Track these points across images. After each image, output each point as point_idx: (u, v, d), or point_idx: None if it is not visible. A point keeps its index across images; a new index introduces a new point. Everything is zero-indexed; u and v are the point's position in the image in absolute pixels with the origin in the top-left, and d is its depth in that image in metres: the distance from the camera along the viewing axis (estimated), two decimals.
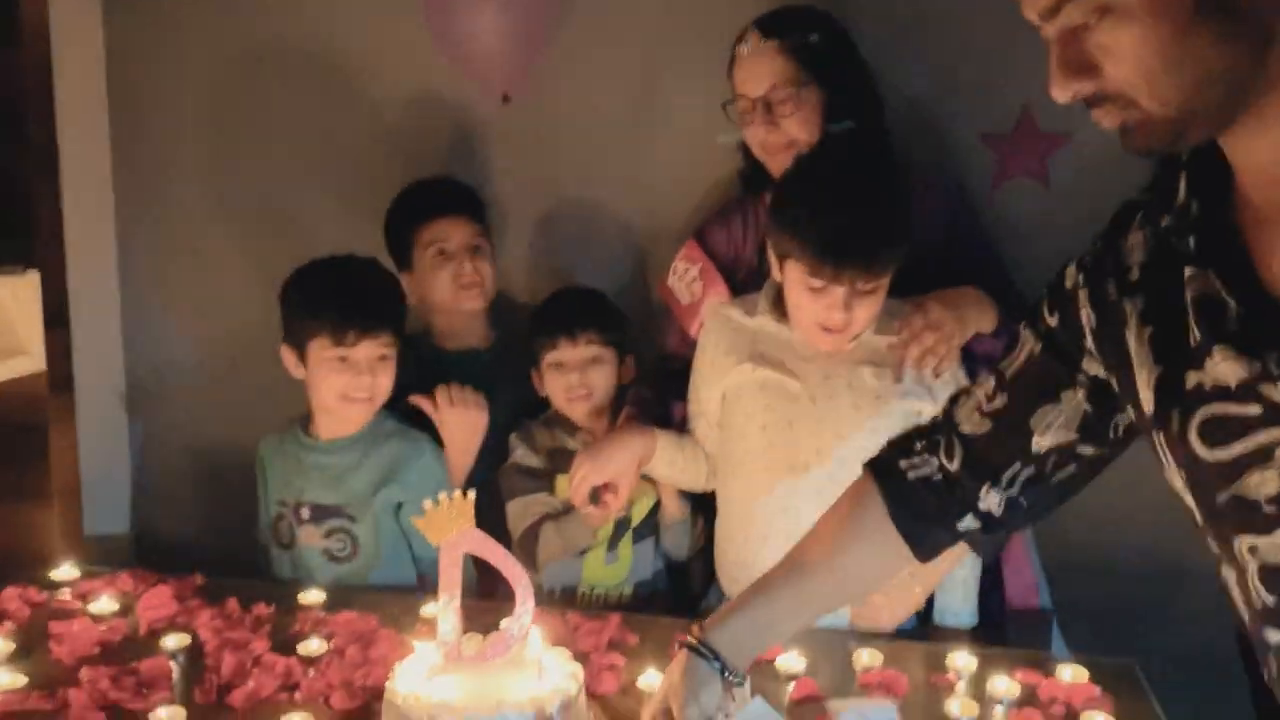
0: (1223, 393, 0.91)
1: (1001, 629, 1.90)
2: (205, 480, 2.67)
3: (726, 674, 1.35)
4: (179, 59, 2.52)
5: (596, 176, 2.38)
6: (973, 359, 1.89)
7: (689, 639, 1.37)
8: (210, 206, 2.57)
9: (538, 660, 1.41)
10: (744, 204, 2.10)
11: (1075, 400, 1.15)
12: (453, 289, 2.21)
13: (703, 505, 2.10)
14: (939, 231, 1.93)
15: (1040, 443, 1.18)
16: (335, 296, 1.99)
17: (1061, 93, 0.92)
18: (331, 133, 2.47)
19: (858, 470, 1.73)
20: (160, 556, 2.04)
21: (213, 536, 2.56)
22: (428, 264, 2.21)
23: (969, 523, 1.28)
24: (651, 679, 1.53)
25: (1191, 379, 0.94)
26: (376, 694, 1.50)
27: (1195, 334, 0.93)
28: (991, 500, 1.25)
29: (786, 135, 1.94)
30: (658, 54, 2.31)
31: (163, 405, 2.67)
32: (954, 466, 1.26)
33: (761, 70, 1.93)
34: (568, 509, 2.04)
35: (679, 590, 2.14)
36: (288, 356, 2.04)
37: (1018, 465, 1.21)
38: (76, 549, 2.16)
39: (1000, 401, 1.21)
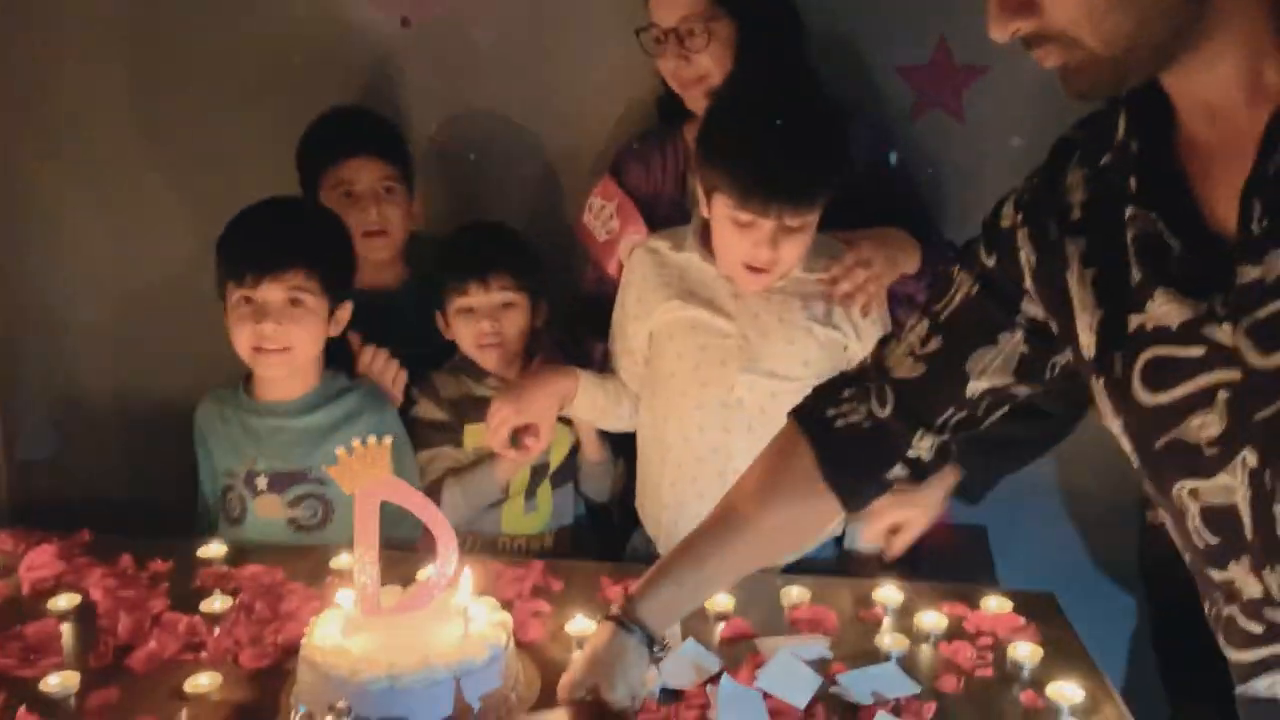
0: (1165, 335, 0.88)
1: (916, 553, 1.91)
2: (92, 438, 2.54)
3: (654, 648, 1.31)
4: None
5: (504, 102, 2.26)
6: (894, 300, 1.88)
7: (614, 611, 1.31)
8: (120, 145, 2.37)
9: (464, 610, 1.35)
10: (662, 137, 2.03)
11: (1013, 342, 1.12)
12: (357, 234, 2.01)
13: (621, 447, 2.06)
14: (861, 167, 1.90)
15: (976, 386, 1.15)
16: (240, 239, 1.82)
17: (1000, 32, 0.87)
18: (242, 65, 2.28)
19: (789, 404, 1.71)
20: (41, 518, 1.88)
21: (106, 493, 2.43)
22: (334, 205, 2.03)
23: (898, 471, 1.25)
24: (580, 625, 1.48)
25: (1133, 321, 0.91)
26: (290, 650, 1.43)
27: (1136, 275, 0.90)
28: (923, 446, 1.22)
29: (698, 69, 1.88)
30: None
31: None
32: (885, 413, 1.21)
33: (674, 0, 1.86)
34: (477, 461, 1.97)
35: (600, 534, 2.09)
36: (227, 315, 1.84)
37: (951, 410, 1.18)
38: None
39: (935, 345, 1.17)
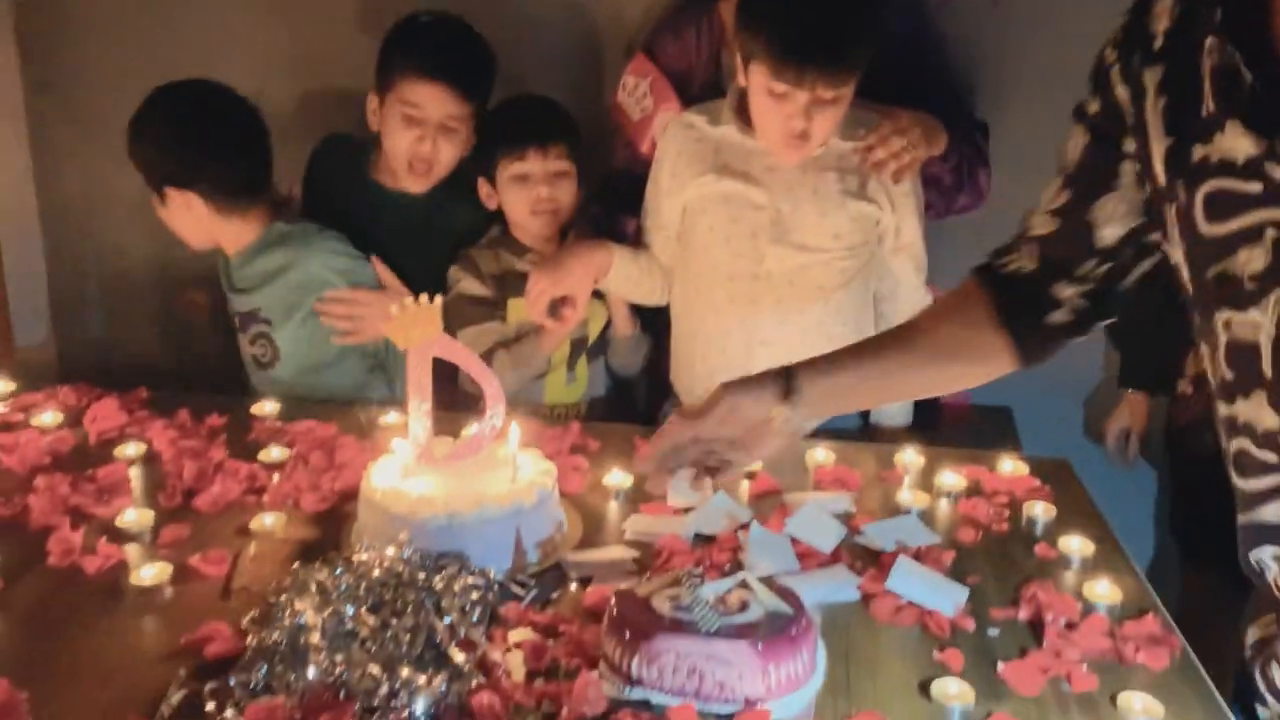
0: (1229, 168, 0.91)
1: (937, 428, 1.99)
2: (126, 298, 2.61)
3: (790, 390, 1.24)
4: None
5: None
6: (928, 188, 1.91)
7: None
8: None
9: (513, 459, 1.43)
10: (696, 11, 2.05)
11: (1130, 184, 1.11)
12: (406, 157, 2.03)
13: (649, 322, 2.12)
14: (895, 40, 1.92)
15: (1109, 234, 1.15)
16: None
17: None
18: None
19: (818, 278, 1.77)
20: (83, 374, 1.97)
21: (135, 353, 2.52)
22: (394, 120, 2.02)
23: (1058, 317, 1.23)
24: (617, 478, 1.57)
25: (1199, 152, 0.94)
26: (347, 496, 1.52)
27: (1209, 105, 0.93)
28: (1069, 294, 1.21)
29: None
30: None
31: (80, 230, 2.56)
32: (1032, 266, 1.22)
33: None
34: (521, 335, 2.03)
35: (627, 405, 2.17)
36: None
37: (1091, 261, 1.18)
38: (9, 364, 2.08)
39: (1064, 198, 1.17)
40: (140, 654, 1.18)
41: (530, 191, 1.99)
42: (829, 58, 1.64)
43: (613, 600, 1.17)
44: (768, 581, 1.19)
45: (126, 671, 1.14)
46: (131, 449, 1.63)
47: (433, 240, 2.10)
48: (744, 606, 1.15)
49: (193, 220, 1.98)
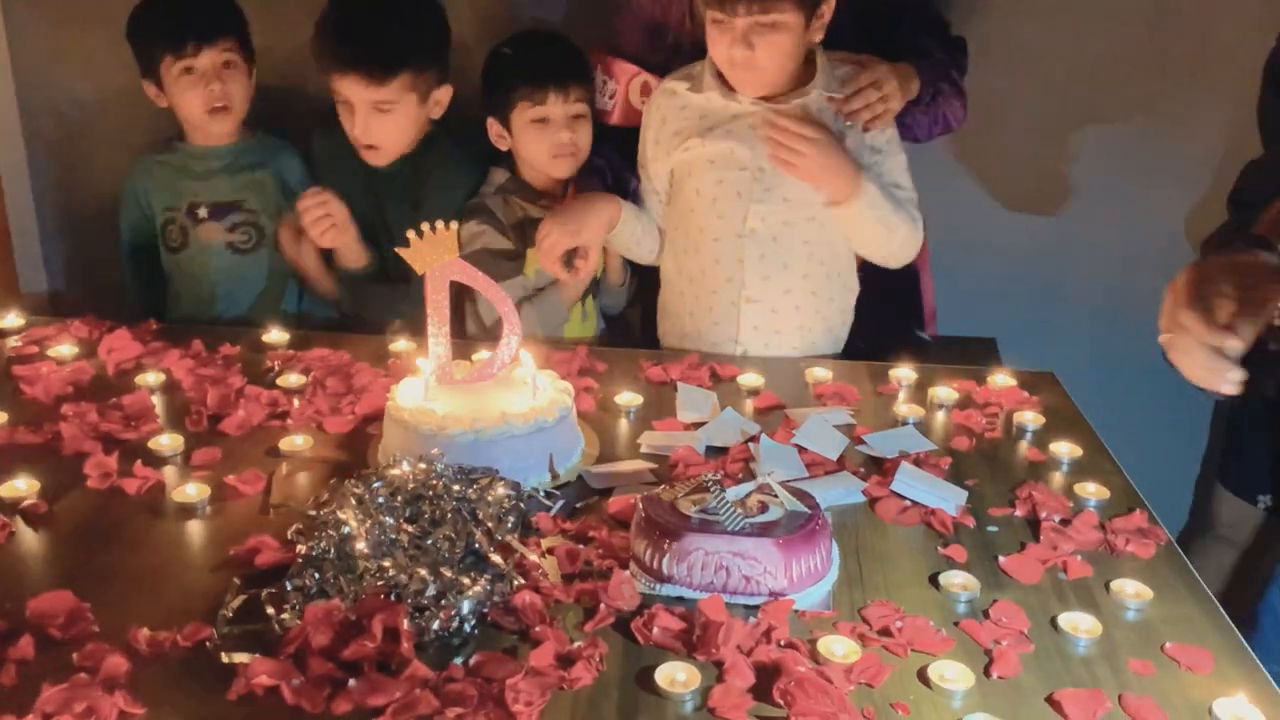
0: None
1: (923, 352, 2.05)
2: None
3: None
4: None
5: None
6: (901, 126, 1.95)
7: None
8: None
9: (531, 380, 1.49)
10: None
11: None
12: (355, 142, 2.07)
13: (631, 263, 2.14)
14: None
15: None
16: (174, 12, 2.07)
17: None
18: None
19: (802, 233, 1.83)
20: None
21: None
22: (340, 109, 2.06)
23: None
24: (627, 397, 1.64)
25: None
26: (368, 418, 1.57)
27: None
28: None
29: None
30: None
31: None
32: None
33: None
34: (541, 287, 2.02)
35: (622, 335, 2.21)
36: (148, 89, 2.12)
37: None
38: (15, 301, 2.09)
39: None
40: (190, 565, 1.24)
41: (552, 136, 1.98)
42: None
43: (641, 505, 1.24)
44: (785, 485, 1.26)
45: (179, 581, 1.20)
46: (151, 378, 1.67)
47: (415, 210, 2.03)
48: (763, 508, 1.23)
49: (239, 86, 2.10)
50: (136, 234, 2.23)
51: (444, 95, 2.08)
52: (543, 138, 1.98)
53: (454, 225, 1.47)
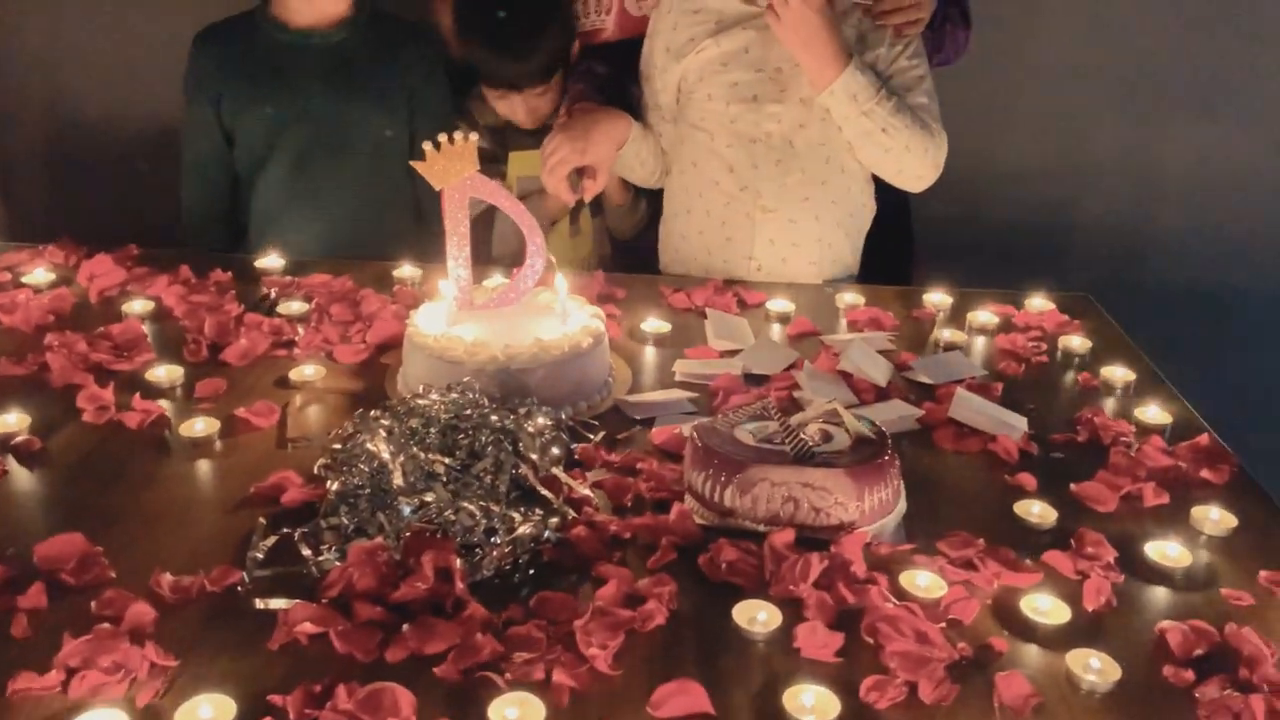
0: None
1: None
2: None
3: None
4: None
5: None
6: None
7: None
8: None
9: (562, 304, 1.39)
10: None
11: None
12: None
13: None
14: None
15: None
16: None
17: None
18: None
19: (818, 135, 1.71)
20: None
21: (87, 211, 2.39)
22: None
23: None
24: (654, 324, 1.55)
25: None
26: (382, 347, 1.47)
27: None
28: None
29: None
30: None
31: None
32: None
33: None
34: (524, 195, 1.93)
35: (640, 262, 2.10)
36: None
37: None
38: None
39: None
40: (207, 504, 1.13)
41: (514, 108, 1.93)
42: None
43: (695, 435, 1.15)
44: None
45: (198, 522, 1.10)
46: (139, 305, 1.55)
47: (353, 81, 1.91)
48: (827, 437, 1.15)
49: None
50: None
51: None
52: (505, 108, 1.94)
53: (474, 136, 1.36)
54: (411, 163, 1.37)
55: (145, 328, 1.49)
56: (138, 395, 1.30)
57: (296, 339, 1.48)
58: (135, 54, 2.37)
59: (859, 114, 1.66)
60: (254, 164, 1.92)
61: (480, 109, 1.97)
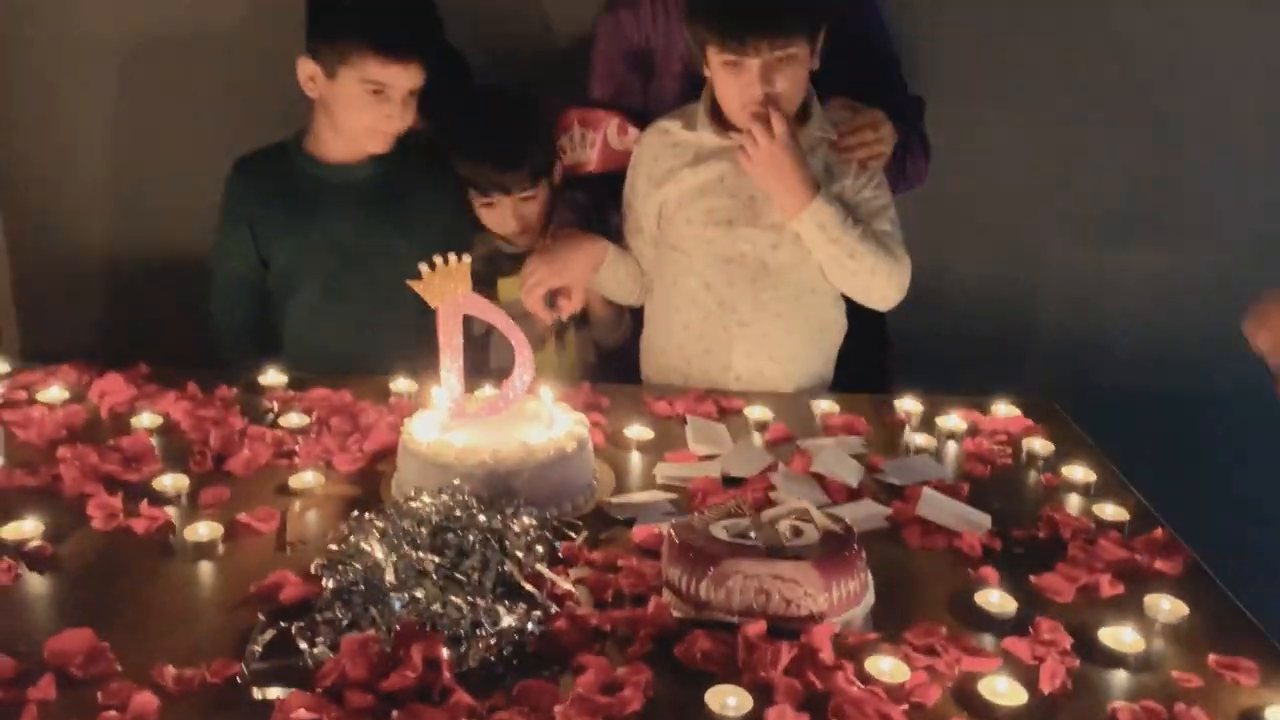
0: None
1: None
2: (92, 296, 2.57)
3: None
4: None
5: None
6: None
7: None
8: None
9: (548, 410, 1.47)
10: None
11: None
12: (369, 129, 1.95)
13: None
14: (847, 25, 1.98)
15: None
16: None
17: None
18: None
19: (790, 256, 1.83)
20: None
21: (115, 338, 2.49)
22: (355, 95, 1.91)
23: None
24: (637, 431, 1.63)
25: None
26: (378, 456, 1.54)
27: None
28: None
29: None
30: None
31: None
32: None
33: None
34: (512, 315, 2.02)
35: (621, 371, 2.20)
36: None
37: None
38: None
39: None
40: (208, 603, 1.20)
41: (498, 217, 2.03)
42: (767, 21, 1.69)
43: (672, 532, 1.22)
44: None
45: (200, 619, 1.16)
46: (147, 419, 1.62)
47: (380, 211, 2.03)
48: (797, 533, 1.21)
49: None
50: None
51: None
52: (490, 218, 2.04)
53: (466, 258, 1.46)
54: (409, 282, 1.47)
55: (153, 440, 1.57)
56: (145, 502, 1.37)
57: (297, 449, 1.55)
58: (140, 183, 2.49)
59: (827, 241, 1.78)
60: (286, 287, 2.04)
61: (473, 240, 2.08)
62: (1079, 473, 1.53)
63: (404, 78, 1.89)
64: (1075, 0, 2.35)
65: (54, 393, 1.71)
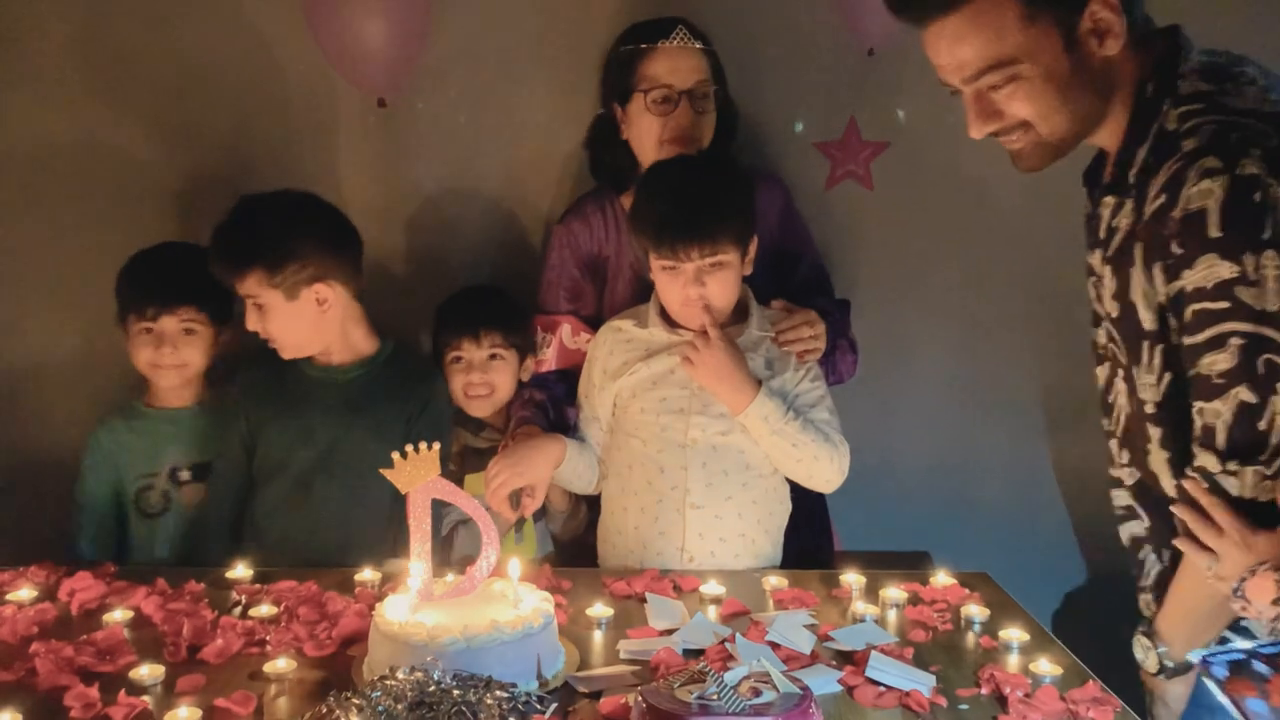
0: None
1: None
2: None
3: None
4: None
5: (467, 177, 2.52)
6: None
7: None
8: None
9: (514, 592, 1.55)
10: (601, 201, 2.28)
11: None
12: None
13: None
14: (775, 218, 2.22)
15: None
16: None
17: (979, 132, 1.45)
18: (190, 132, 2.48)
19: (738, 443, 1.98)
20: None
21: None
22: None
23: None
24: (599, 610, 1.70)
25: None
26: (347, 641, 1.60)
27: None
28: None
29: (700, 128, 2.15)
30: (516, 57, 2.48)
31: None
32: None
33: (689, 64, 2.14)
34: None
35: (578, 556, 2.28)
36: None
37: None
38: None
39: None
40: None
41: (465, 376, 2.21)
42: (698, 235, 1.89)
43: (641, 697, 1.29)
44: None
45: None
46: (119, 614, 1.66)
47: (357, 412, 2.18)
48: (757, 693, 1.29)
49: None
50: (104, 501, 2.23)
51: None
52: (459, 377, 2.23)
53: (436, 446, 1.57)
54: (381, 470, 1.57)
55: (126, 634, 1.61)
56: (122, 692, 1.40)
57: (268, 638, 1.60)
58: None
59: (771, 432, 1.93)
60: (263, 478, 2.18)
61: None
62: (1014, 634, 1.64)
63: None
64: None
65: (23, 593, 1.74)
